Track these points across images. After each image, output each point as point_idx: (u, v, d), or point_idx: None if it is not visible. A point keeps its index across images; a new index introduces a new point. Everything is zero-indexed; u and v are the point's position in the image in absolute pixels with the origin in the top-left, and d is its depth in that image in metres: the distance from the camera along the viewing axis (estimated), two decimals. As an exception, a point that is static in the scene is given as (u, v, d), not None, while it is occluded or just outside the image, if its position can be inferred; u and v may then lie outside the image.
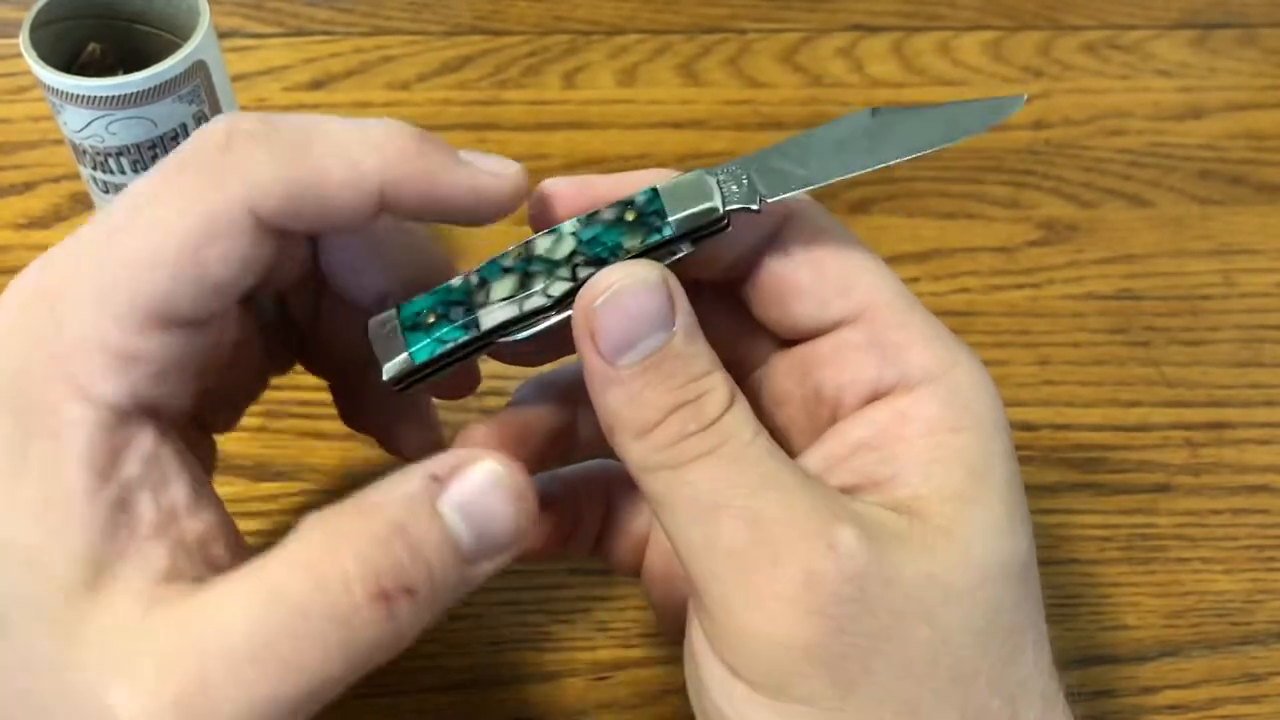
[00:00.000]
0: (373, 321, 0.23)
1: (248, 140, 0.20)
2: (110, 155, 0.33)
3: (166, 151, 0.33)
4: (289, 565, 0.19)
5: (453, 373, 0.23)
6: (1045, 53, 0.53)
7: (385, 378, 0.22)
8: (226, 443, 0.37)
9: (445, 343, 0.22)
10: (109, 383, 0.19)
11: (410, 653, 0.29)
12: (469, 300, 0.22)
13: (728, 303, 0.24)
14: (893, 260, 0.44)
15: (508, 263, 0.23)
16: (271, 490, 0.36)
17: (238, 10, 0.52)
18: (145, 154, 0.33)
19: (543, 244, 0.23)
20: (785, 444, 0.23)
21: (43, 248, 0.47)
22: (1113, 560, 0.36)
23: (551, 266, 0.22)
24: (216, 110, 0.34)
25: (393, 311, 0.23)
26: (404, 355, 0.22)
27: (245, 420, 0.38)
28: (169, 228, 0.19)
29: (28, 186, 0.45)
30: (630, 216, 0.22)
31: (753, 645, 0.20)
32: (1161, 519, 0.37)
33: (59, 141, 0.35)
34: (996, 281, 0.44)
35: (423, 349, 0.22)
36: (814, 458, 0.23)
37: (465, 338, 0.22)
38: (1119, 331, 0.42)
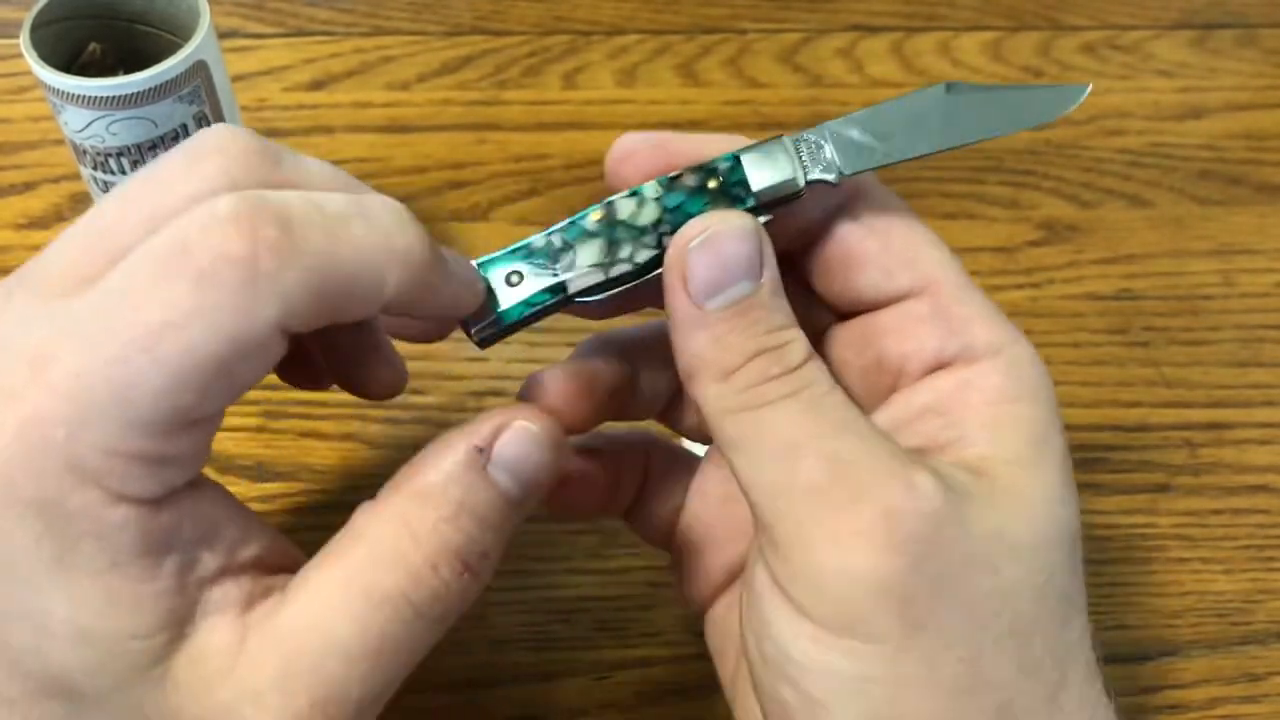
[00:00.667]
0: None
1: (274, 256, 0.19)
2: (111, 155, 0.33)
3: (166, 151, 0.33)
4: (374, 562, 0.20)
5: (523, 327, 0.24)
6: (1045, 53, 0.53)
7: (476, 339, 0.23)
8: (227, 443, 0.38)
9: (533, 305, 0.23)
10: (143, 485, 0.20)
11: (411, 652, 0.29)
12: (552, 262, 0.23)
13: (788, 276, 0.24)
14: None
15: (591, 227, 0.23)
16: (271, 490, 0.36)
17: (238, 10, 0.52)
18: (146, 154, 0.33)
19: (625, 208, 0.23)
20: None
21: (42, 248, 0.47)
22: (1112, 560, 0.36)
23: (637, 233, 0.23)
24: (218, 111, 0.34)
25: (475, 266, 0.24)
26: (494, 317, 0.23)
27: (245, 420, 0.38)
28: (199, 353, 0.19)
29: (28, 186, 0.45)
30: (713, 184, 0.23)
31: (826, 581, 0.21)
32: (1161, 519, 0.37)
33: (59, 141, 0.35)
34: (996, 281, 0.44)
35: (512, 310, 0.23)
36: (879, 420, 0.23)
37: (552, 301, 0.23)
38: (1119, 332, 0.42)
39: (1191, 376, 0.41)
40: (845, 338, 0.25)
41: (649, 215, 0.23)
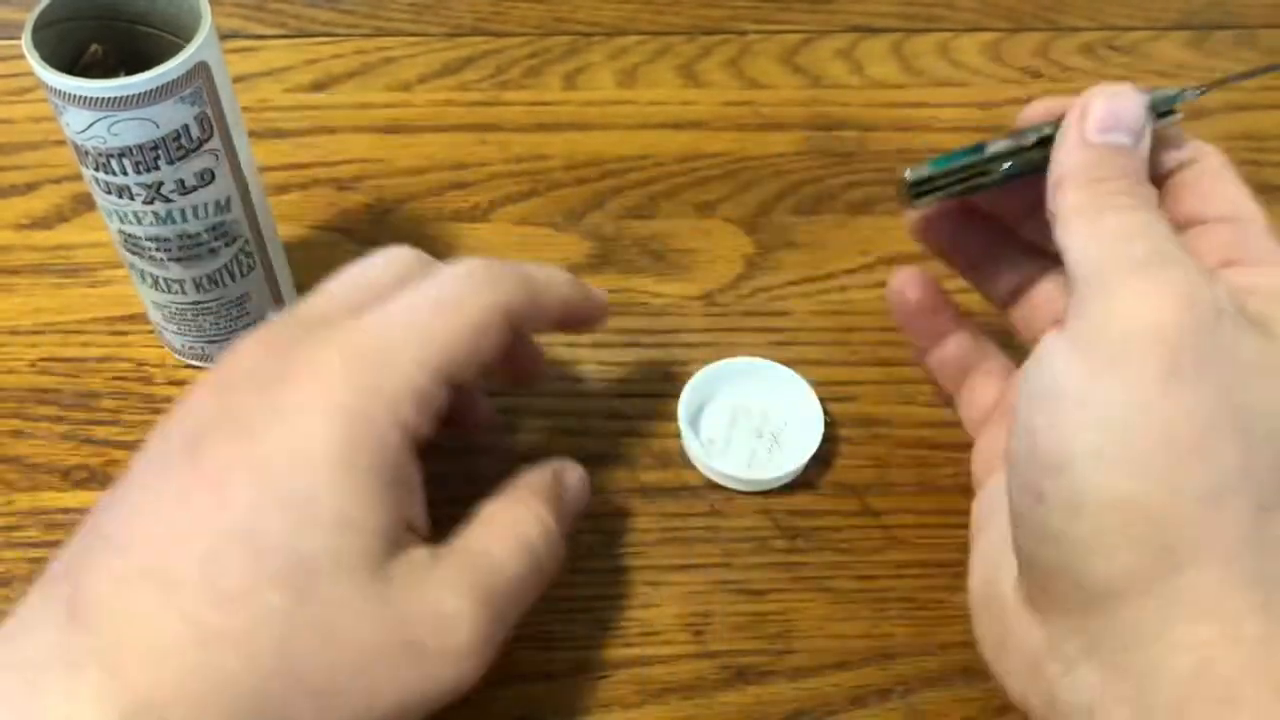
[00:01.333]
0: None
1: (500, 270, 0.30)
2: (112, 156, 0.33)
3: (168, 152, 0.33)
4: (517, 524, 0.29)
5: (947, 197, 0.31)
6: (1044, 54, 0.53)
7: (907, 176, 0.31)
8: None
9: (955, 160, 0.31)
10: (416, 417, 0.27)
11: (411, 651, 0.29)
12: (978, 146, 0.30)
13: None
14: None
15: (1009, 133, 0.30)
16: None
17: (239, 11, 0.53)
18: (147, 155, 0.33)
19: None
20: None
21: (44, 248, 0.47)
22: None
23: (1039, 127, 0.30)
24: (219, 112, 0.34)
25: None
26: (925, 164, 0.31)
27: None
28: (468, 318, 0.28)
29: (30, 187, 0.45)
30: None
31: (1116, 322, 0.25)
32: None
33: (61, 142, 0.35)
34: (996, 282, 0.44)
35: (940, 161, 0.31)
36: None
37: (972, 159, 0.30)
38: (1118, 332, 0.42)
39: (1190, 377, 0.41)
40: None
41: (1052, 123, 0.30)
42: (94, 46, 0.35)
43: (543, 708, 0.33)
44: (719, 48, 0.53)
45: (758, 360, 0.39)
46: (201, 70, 0.33)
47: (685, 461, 0.38)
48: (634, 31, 0.53)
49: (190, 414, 0.27)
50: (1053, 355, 0.26)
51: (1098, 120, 0.28)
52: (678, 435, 0.38)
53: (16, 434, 0.38)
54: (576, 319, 0.33)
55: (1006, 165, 0.30)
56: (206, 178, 0.35)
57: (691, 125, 0.49)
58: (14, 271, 0.43)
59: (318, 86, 0.50)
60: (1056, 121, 0.29)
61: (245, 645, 0.24)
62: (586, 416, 0.39)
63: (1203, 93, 0.30)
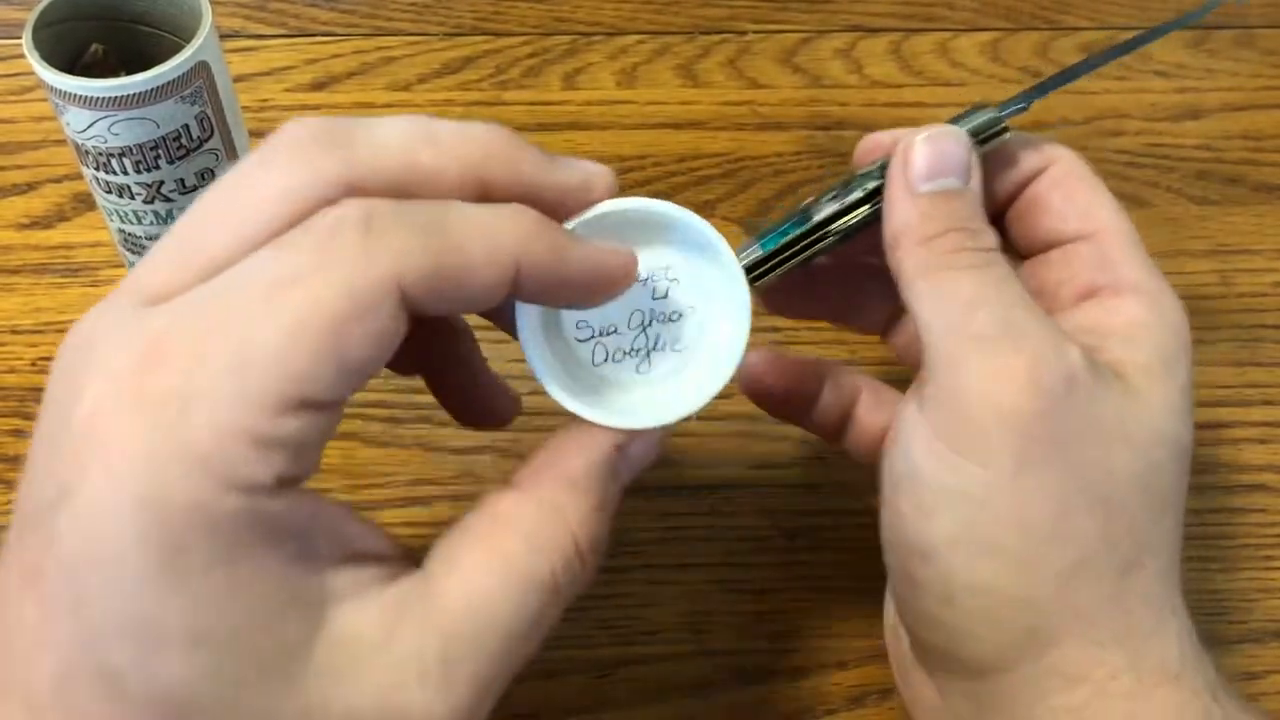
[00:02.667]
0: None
1: (390, 219, 0.20)
2: (113, 156, 0.33)
3: (168, 152, 0.33)
4: (532, 548, 0.21)
5: (788, 271, 0.28)
6: (1043, 53, 0.53)
7: (741, 263, 0.25)
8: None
9: (786, 234, 0.28)
10: (254, 468, 0.19)
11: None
12: (803, 212, 0.28)
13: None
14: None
15: (831, 189, 0.28)
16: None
17: (239, 11, 0.53)
18: (148, 155, 0.33)
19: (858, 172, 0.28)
20: None
21: (45, 248, 0.47)
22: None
23: (866, 174, 0.27)
24: (220, 112, 0.34)
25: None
26: (755, 244, 0.28)
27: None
28: (314, 304, 0.19)
29: (30, 187, 0.45)
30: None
31: (966, 406, 0.24)
32: (1159, 518, 0.38)
33: (61, 142, 0.35)
34: (995, 281, 0.44)
35: (770, 239, 0.28)
36: None
37: (799, 230, 0.27)
38: (1117, 331, 0.43)
39: (1189, 376, 0.41)
40: (1028, 274, 0.29)
41: (876, 165, 0.28)
42: (94, 46, 0.35)
43: (543, 707, 0.33)
44: (718, 47, 0.53)
45: (655, 205, 0.24)
46: (202, 70, 0.33)
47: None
48: (634, 31, 0.53)
49: (24, 479, 0.20)
50: (910, 437, 0.25)
51: (921, 168, 0.26)
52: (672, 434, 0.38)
53: (17, 433, 0.38)
54: (542, 279, 0.21)
55: (839, 227, 0.28)
56: (207, 177, 0.35)
57: (691, 125, 0.49)
58: (14, 271, 0.43)
59: (318, 86, 0.50)
60: (883, 169, 0.27)
61: None
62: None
63: (1025, 108, 0.28)
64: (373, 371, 0.20)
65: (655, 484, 0.37)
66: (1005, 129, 0.28)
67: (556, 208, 0.23)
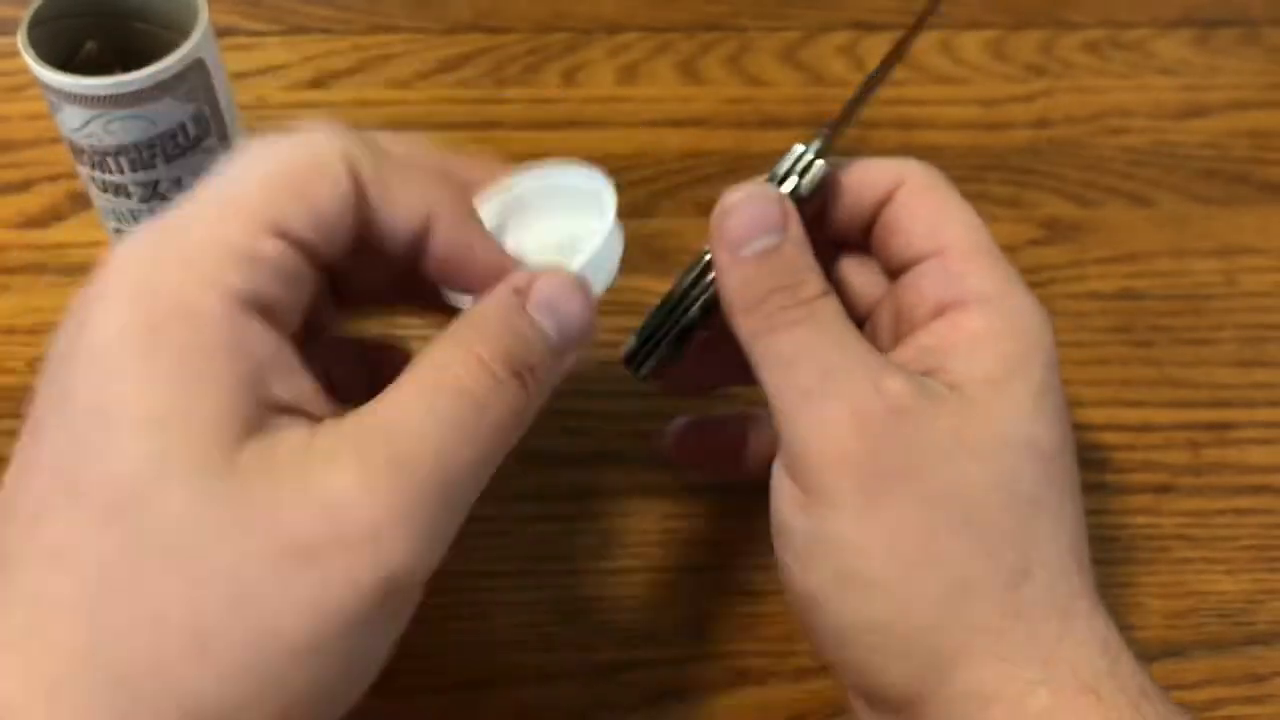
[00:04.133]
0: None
1: (351, 134, 0.24)
2: (108, 154, 0.33)
3: (165, 150, 0.33)
4: (435, 364, 0.23)
5: (671, 354, 0.30)
6: (1047, 51, 0.53)
7: (622, 352, 0.30)
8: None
9: (651, 320, 0.30)
10: (234, 275, 0.21)
11: (410, 654, 0.29)
12: (665, 300, 0.30)
13: (869, 270, 0.30)
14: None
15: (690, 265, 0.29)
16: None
17: (235, 8, 0.52)
18: (144, 152, 0.33)
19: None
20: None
21: (40, 247, 0.46)
22: (1115, 561, 0.36)
23: (700, 256, 0.29)
24: (216, 109, 0.33)
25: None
26: (631, 338, 0.30)
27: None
28: (286, 159, 0.23)
29: (25, 185, 0.45)
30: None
31: (805, 457, 0.25)
32: (1164, 519, 0.37)
33: (57, 140, 0.35)
34: (998, 281, 0.43)
35: (640, 330, 0.30)
36: (893, 358, 0.27)
37: (660, 315, 0.29)
38: (1121, 331, 0.42)
39: (1194, 376, 0.41)
40: (885, 302, 0.30)
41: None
42: (89, 43, 0.35)
43: (543, 709, 0.33)
44: (719, 45, 0.52)
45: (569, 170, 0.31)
46: (198, 67, 0.32)
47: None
48: (633, 28, 0.53)
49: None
50: (776, 492, 0.26)
51: (734, 236, 0.27)
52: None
53: (13, 434, 0.38)
54: (450, 212, 0.25)
55: (695, 306, 0.29)
56: (204, 176, 0.34)
57: (691, 123, 0.49)
58: (10, 270, 0.42)
59: (315, 84, 0.50)
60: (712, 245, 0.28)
61: (81, 608, 0.20)
62: (586, 416, 0.39)
63: (829, 136, 0.28)
64: (338, 234, 0.23)
65: (655, 484, 0.37)
66: (818, 159, 0.28)
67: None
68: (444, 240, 0.25)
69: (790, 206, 0.27)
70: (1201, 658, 0.34)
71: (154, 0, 0.35)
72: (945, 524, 0.24)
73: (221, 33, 0.51)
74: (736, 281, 0.27)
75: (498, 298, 0.25)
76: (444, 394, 0.22)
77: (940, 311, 0.27)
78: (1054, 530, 0.25)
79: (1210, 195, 0.47)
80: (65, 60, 0.34)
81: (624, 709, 0.33)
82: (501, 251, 0.26)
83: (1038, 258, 0.44)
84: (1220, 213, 0.47)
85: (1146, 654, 0.34)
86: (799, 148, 0.28)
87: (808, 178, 0.28)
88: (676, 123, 0.49)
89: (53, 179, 0.45)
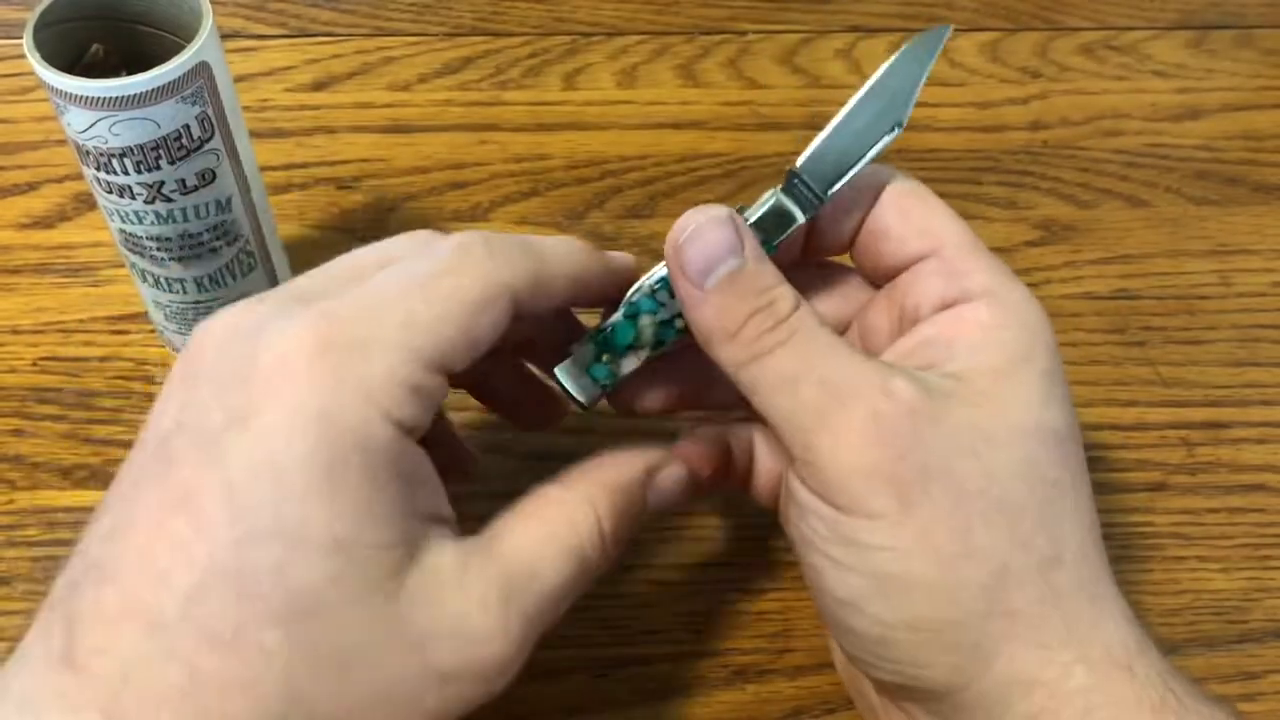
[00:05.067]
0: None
1: (501, 241, 0.26)
2: (113, 156, 0.33)
3: (169, 153, 0.33)
4: (573, 527, 0.26)
5: (627, 376, 0.29)
6: (1042, 53, 0.53)
7: (584, 403, 0.30)
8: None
9: (590, 353, 0.29)
10: (406, 409, 0.23)
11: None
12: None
13: (843, 282, 0.31)
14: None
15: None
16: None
17: (240, 11, 0.53)
18: (149, 155, 0.33)
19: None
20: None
21: (45, 248, 0.47)
22: (1110, 559, 0.36)
23: (653, 282, 0.28)
24: (220, 112, 0.34)
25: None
26: (595, 386, 0.30)
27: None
28: (461, 296, 0.25)
29: (31, 187, 0.45)
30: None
31: (833, 475, 0.25)
32: (1158, 518, 0.38)
33: (62, 142, 0.35)
34: (994, 281, 0.44)
35: (597, 369, 0.29)
36: (890, 353, 0.28)
37: (605, 343, 0.29)
38: (1116, 331, 0.43)
39: (1188, 376, 0.41)
40: (877, 306, 0.29)
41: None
42: (95, 46, 0.35)
43: (542, 706, 0.33)
44: (718, 48, 0.53)
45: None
46: (203, 70, 0.33)
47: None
48: (633, 31, 0.53)
49: (159, 413, 0.24)
50: (802, 506, 0.26)
51: (695, 268, 0.26)
52: (675, 435, 0.38)
53: (17, 433, 0.38)
54: (594, 292, 0.29)
55: (650, 337, 0.28)
56: (208, 177, 0.35)
57: (691, 125, 0.49)
58: (15, 271, 0.43)
59: (318, 86, 0.50)
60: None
61: (247, 690, 0.22)
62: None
63: (794, 177, 0.28)
64: (480, 353, 0.25)
65: (655, 483, 0.37)
66: (795, 185, 0.28)
67: (600, 297, 0.29)
68: (586, 283, 0.28)
69: (741, 222, 0.27)
70: (1195, 655, 0.35)
71: (159, 4, 0.35)
72: (980, 516, 0.24)
73: (226, 36, 0.51)
74: (710, 313, 0.26)
75: (629, 469, 0.28)
76: (570, 558, 0.25)
77: (943, 308, 0.27)
78: (1076, 513, 0.26)
79: (1205, 197, 0.48)
80: (71, 63, 0.34)
81: (623, 705, 0.33)
82: (621, 258, 0.29)
83: (1033, 258, 0.45)
84: (1215, 214, 0.47)
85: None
86: (775, 197, 0.28)
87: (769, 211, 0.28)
88: (676, 125, 0.49)
89: (58, 180, 0.45)
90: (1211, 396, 0.41)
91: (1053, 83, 0.52)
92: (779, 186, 0.28)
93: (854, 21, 0.54)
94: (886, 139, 0.28)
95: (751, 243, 0.26)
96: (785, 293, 0.26)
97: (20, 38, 0.33)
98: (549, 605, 0.25)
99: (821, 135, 0.28)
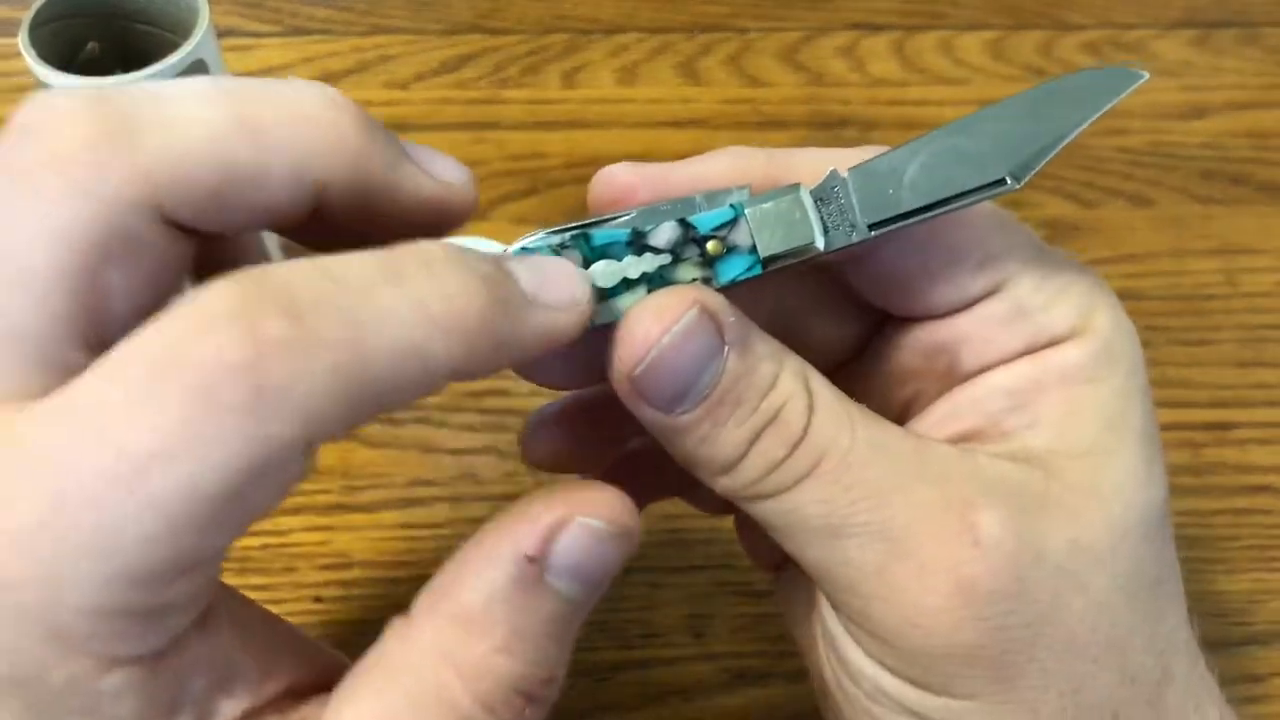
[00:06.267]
0: None
1: (284, 360, 0.15)
2: (109, 154, 0.33)
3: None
4: (415, 706, 0.17)
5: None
6: (1046, 52, 0.53)
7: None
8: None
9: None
10: (140, 643, 0.16)
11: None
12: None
13: (818, 279, 0.22)
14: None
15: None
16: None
17: (236, 9, 0.52)
18: (144, 153, 0.33)
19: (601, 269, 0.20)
20: (911, 414, 0.22)
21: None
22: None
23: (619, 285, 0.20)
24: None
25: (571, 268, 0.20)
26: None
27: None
28: (199, 489, 0.15)
29: (26, 186, 0.45)
30: (714, 249, 0.20)
31: (908, 652, 0.19)
32: (1163, 519, 0.37)
33: (57, 141, 0.35)
34: (997, 281, 0.43)
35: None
36: (938, 409, 0.21)
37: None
38: (1120, 331, 0.42)
39: (1193, 376, 0.41)
40: (911, 342, 0.22)
41: (635, 271, 0.20)
42: (91, 44, 0.35)
43: (542, 710, 0.33)
44: (719, 45, 0.52)
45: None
46: (199, 68, 0.33)
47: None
48: (633, 29, 0.53)
49: None
50: (862, 665, 0.21)
51: (663, 400, 0.19)
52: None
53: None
54: (382, 213, 0.19)
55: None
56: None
57: (692, 123, 0.49)
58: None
59: (316, 84, 0.50)
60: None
61: None
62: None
63: (860, 242, 0.20)
64: (279, 503, 0.17)
65: (655, 485, 0.37)
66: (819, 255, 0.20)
67: (403, 221, 0.19)
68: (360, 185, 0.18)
69: (711, 296, 0.19)
70: (1200, 658, 0.34)
71: (155, 1, 0.35)
72: (1092, 660, 0.20)
73: (222, 33, 0.51)
74: (694, 447, 0.19)
75: (501, 575, 0.17)
76: None
77: (1018, 355, 0.21)
78: (1178, 604, 0.22)
79: (1210, 195, 0.47)
80: (67, 61, 0.34)
81: (624, 709, 0.33)
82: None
83: (1037, 258, 0.45)
84: (1220, 213, 0.47)
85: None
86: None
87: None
88: (677, 123, 0.49)
89: (54, 179, 0.45)
90: (1217, 397, 0.40)
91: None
92: (807, 186, 0.20)
93: (856, 19, 0.54)
94: (988, 191, 0.19)
95: (733, 328, 0.19)
96: (792, 389, 0.19)
97: (15, 35, 0.33)
98: None
99: (905, 146, 0.20)
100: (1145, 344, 0.43)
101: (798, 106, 0.50)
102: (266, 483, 0.15)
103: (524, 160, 0.47)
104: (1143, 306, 0.43)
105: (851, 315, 0.23)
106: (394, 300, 0.16)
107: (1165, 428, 0.39)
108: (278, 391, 0.15)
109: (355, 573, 0.35)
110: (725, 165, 0.21)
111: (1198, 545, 0.37)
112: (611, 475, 0.22)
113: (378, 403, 0.16)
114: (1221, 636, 0.35)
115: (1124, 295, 0.43)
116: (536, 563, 0.17)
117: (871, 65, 0.52)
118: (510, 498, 0.27)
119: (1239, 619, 0.35)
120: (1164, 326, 0.43)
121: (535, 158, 0.47)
